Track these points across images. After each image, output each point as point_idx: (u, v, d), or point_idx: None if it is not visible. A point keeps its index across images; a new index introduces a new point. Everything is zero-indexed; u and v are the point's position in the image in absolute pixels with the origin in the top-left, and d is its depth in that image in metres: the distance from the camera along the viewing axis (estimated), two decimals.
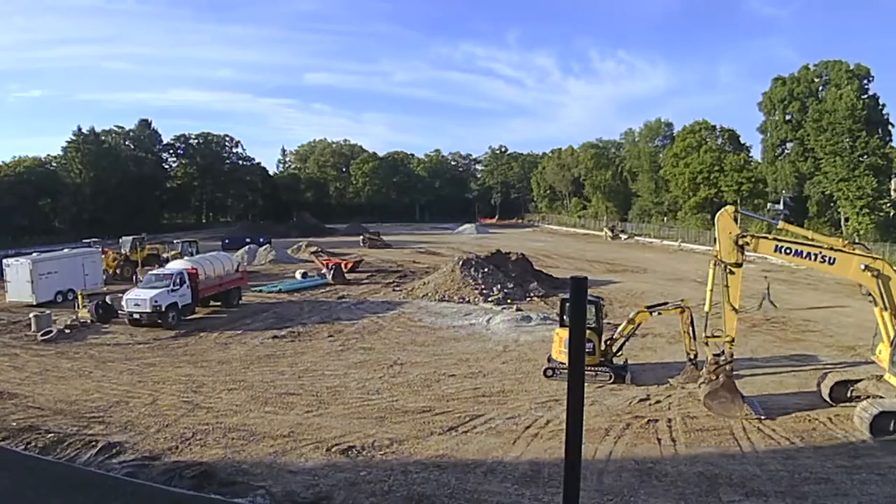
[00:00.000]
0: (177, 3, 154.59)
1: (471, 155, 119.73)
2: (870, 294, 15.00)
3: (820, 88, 58.09)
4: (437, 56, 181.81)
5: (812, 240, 15.75)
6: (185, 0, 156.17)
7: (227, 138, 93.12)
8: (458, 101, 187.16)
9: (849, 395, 15.59)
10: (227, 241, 56.20)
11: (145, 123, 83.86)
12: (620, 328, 18.77)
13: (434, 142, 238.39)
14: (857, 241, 29.88)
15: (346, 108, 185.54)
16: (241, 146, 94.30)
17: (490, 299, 30.98)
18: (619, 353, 18.91)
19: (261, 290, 34.17)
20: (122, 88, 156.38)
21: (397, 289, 35.01)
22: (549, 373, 18.27)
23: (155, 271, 28.52)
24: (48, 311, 26.25)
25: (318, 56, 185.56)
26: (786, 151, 61.34)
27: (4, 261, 31.87)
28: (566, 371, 2.39)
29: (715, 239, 16.37)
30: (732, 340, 15.81)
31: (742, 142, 71.20)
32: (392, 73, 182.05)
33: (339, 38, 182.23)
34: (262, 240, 54.35)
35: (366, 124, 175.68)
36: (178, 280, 26.30)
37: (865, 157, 52.52)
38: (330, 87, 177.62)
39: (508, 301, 30.67)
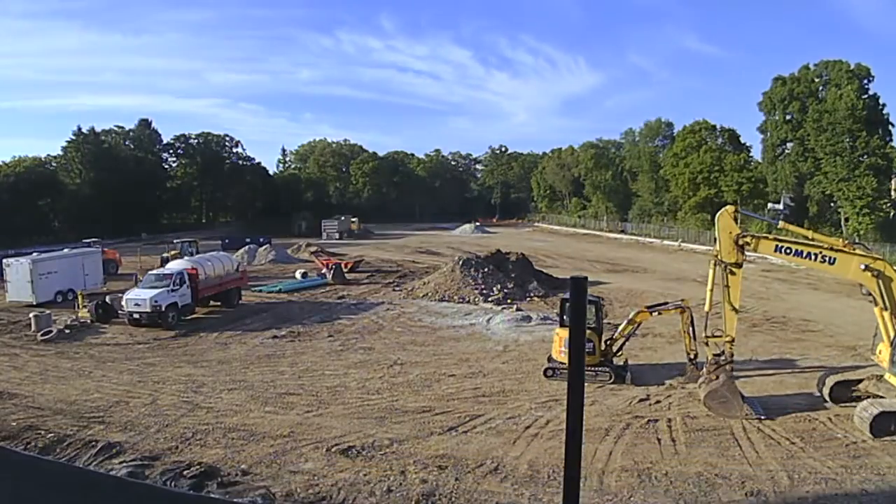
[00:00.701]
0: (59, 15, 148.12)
1: (471, 154, 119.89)
2: (870, 294, 15.00)
3: (820, 88, 58.02)
4: (321, 50, 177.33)
5: (812, 240, 15.76)
6: (74, 13, 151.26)
7: (227, 138, 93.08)
8: (392, 100, 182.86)
9: (850, 395, 15.58)
10: (227, 241, 56.22)
11: (145, 123, 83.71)
12: (620, 328, 18.78)
13: (378, 140, 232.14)
14: (857, 241, 29.88)
15: (280, 109, 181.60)
16: (242, 146, 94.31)
17: (490, 299, 30.99)
18: (620, 353, 18.91)
19: (261, 290, 34.16)
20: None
21: (397, 289, 35.01)
22: (549, 373, 18.27)
23: (155, 271, 28.52)
24: (48, 311, 26.25)
25: (214, 60, 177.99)
26: (786, 151, 61.28)
27: (4, 261, 31.84)
28: (566, 371, 2.38)
29: (715, 239, 16.37)
30: (732, 340, 15.82)
31: (742, 142, 71.24)
32: (294, 72, 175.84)
33: (230, 43, 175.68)
34: (262, 240, 54.34)
35: (307, 123, 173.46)
36: (178, 280, 26.29)
37: (865, 157, 52.48)
38: (243, 87, 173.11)
39: (508, 301, 30.67)
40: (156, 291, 25.37)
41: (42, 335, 23.74)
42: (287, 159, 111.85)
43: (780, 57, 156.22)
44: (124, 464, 12.23)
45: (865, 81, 54.93)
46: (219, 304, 29.60)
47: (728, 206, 16.38)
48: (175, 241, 46.14)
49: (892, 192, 55.31)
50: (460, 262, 34.86)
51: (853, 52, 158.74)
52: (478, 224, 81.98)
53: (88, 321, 26.03)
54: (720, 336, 15.91)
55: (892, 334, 14.60)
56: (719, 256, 15.59)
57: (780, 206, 59.97)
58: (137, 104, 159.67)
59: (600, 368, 17.97)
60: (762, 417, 14.87)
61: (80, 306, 26.97)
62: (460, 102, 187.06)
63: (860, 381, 15.73)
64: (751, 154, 69.04)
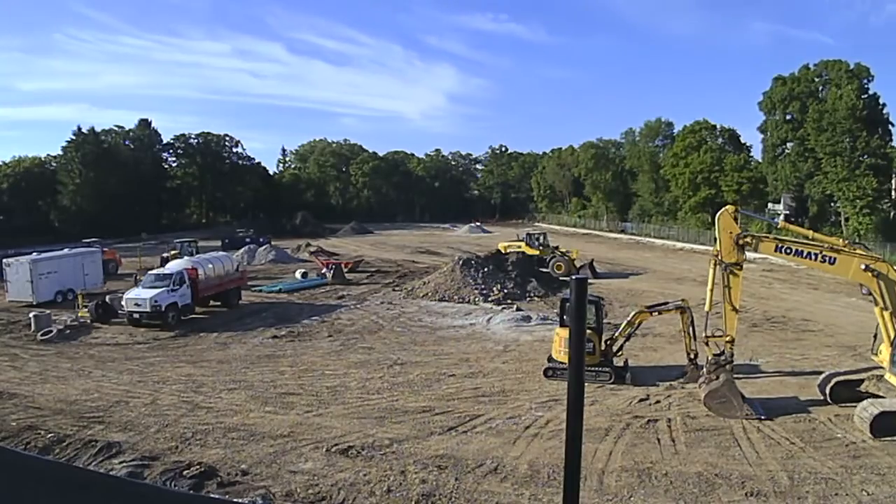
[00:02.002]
0: None
1: (471, 154, 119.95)
2: (870, 293, 15.00)
3: (820, 88, 58.04)
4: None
5: (813, 239, 15.76)
6: None
7: (227, 138, 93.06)
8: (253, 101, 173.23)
9: (851, 395, 15.54)
10: (227, 240, 56.25)
11: (145, 123, 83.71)
12: (620, 328, 18.78)
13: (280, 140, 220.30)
14: (857, 241, 29.87)
15: (148, 110, 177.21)
16: (241, 146, 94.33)
17: (490, 299, 30.98)
18: (620, 353, 18.91)
19: (261, 290, 34.15)
20: None
21: (397, 289, 35.00)
22: (549, 373, 18.26)
23: (155, 271, 28.53)
24: (48, 311, 26.25)
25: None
26: (786, 151, 61.27)
27: (4, 261, 31.82)
28: (566, 371, 2.38)
29: (715, 239, 16.37)
30: (732, 341, 15.81)
31: (742, 142, 71.28)
32: (100, 74, 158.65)
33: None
34: (262, 240, 54.36)
35: (191, 126, 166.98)
36: (177, 280, 26.28)
37: (865, 157, 52.46)
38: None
39: (508, 301, 30.67)
40: (156, 291, 25.37)
41: (42, 335, 23.73)
42: (287, 159, 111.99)
43: (778, 56, 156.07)
44: (124, 464, 12.22)
45: (865, 81, 54.92)
46: (219, 304, 29.60)
47: (728, 206, 16.37)
48: (175, 241, 46.14)
49: (893, 192, 55.31)
50: (460, 262, 34.85)
51: (853, 52, 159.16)
52: (478, 224, 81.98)
53: (88, 321, 26.02)
54: (720, 336, 15.91)
55: (892, 334, 14.60)
56: (720, 256, 15.59)
57: (781, 207, 60.06)
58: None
59: (600, 368, 17.96)
60: (762, 417, 14.86)
61: (80, 306, 26.96)
62: (335, 100, 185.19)
63: (861, 381, 15.71)
64: (751, 154, 69.13)
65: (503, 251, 40.57)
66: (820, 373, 17.10)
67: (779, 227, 18.55)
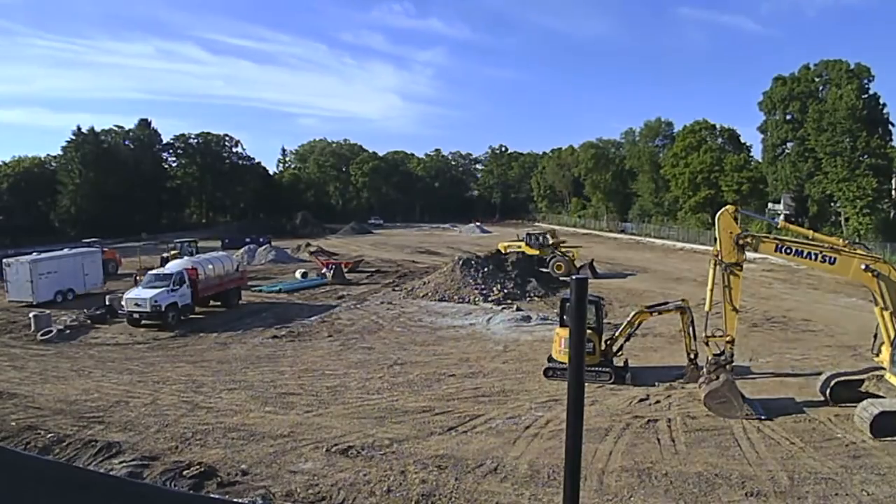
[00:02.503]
0: None
1: (471, 154, 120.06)
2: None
3: (820, 88, 58.04)
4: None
5: (813, 239, 15.76)
6: None
7: (227, 138, 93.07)
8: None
9: (851, 395, 15.53)
10: (227, 240, 56.28)
11: (145, 123, 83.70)
12: (620, 328, 18.79)
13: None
14: (857, 241, 29.86)
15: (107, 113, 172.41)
16: (241, 146, 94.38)
17: (490, 299, 30.99)
18: (620, 353, 18.91)
19: (261, 290, 34.16)
20: None
21: (397, 289, 35.01)
22: (549, 373, 18.26)
23: (155, 271, 28.54)
24: (48, 311, 26.26)
25: None
26: (786, 151, 61.27)
27: (4, 261, 31.84)
28: (566, 371, 2.38)
29: (715, 239, 16.38)
30: (732, 341, 15.81)
31: (742, 142, 71.32)
32: (34, 79, 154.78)
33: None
34: (262, 240, 54.37)
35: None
36: (177, 280, 26.29)
37: (865, 157, 52.46)
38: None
39: (508, 301, 30.67)
40: (156, 291, 25.37)
41: (42, 335, 23.74)
42: (287, 159, 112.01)
43: (776, 56, 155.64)
44: (124, 464, 12.22)
45: (865, 81, 54.91)
46: (219, 304, 29.60)
47: (728, 206, 16.37)
48: (175, 241, 46.12)
49: (894, 192, 55.29)
50: (460, 262, 34.86)
51: (853, 52, 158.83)
52: (478, 224, 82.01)
53: (88, 321, 25.98)
54: (720, 336, 15.91)
55: (892, 334, 14.60)
56: (720, 256, 15.59)
57: (781, 207, 60.03)
58: None
59: (600, 368, 17.96)
60: (762, 417, 14.86)
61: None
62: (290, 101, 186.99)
63: (861, 381, 15.70)
64: (751, 154, 69.19)
65: (503, 251, 40.61)
66: (820, 373, 17.08)
67: (779, 227, 18.54)
